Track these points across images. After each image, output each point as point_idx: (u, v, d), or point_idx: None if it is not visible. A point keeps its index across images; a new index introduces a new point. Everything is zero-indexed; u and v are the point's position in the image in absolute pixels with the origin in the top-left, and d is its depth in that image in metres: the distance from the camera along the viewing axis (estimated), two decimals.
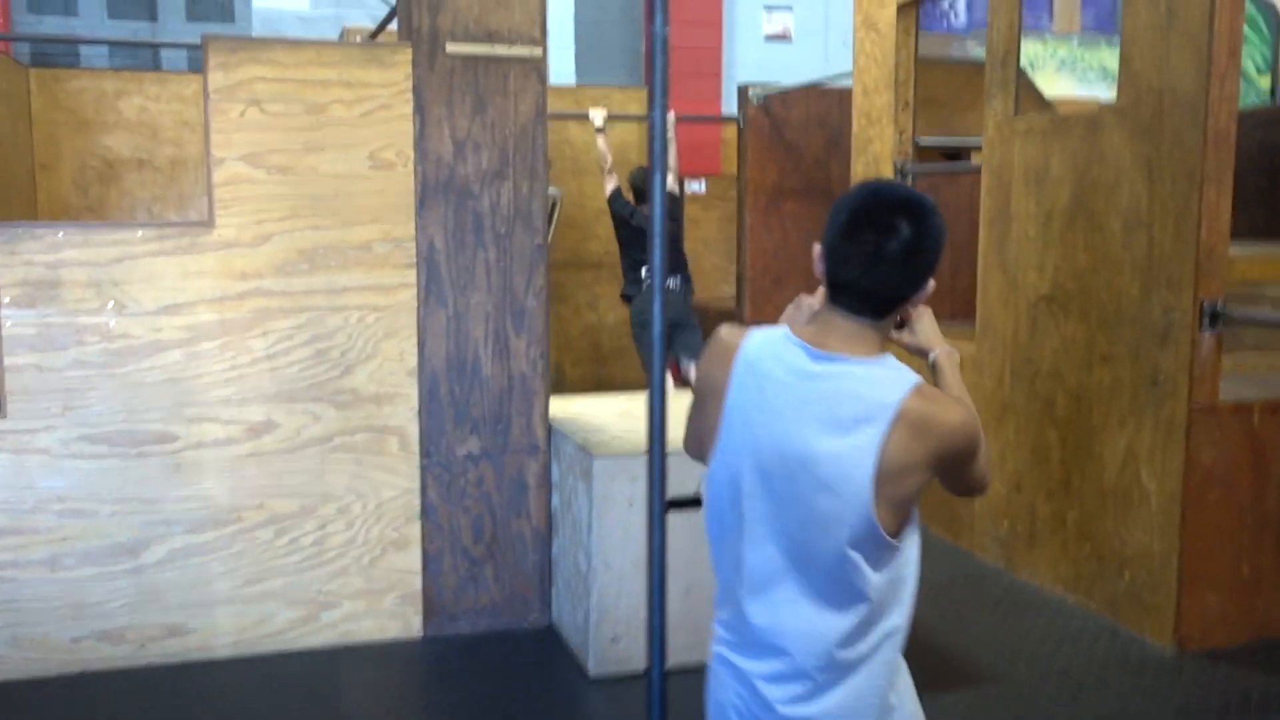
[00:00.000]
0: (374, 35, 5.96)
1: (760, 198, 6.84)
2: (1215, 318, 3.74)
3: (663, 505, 2.47)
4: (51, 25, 7.55)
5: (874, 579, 1.69)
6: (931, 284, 1.72)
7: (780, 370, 1.70)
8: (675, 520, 3.57)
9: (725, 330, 1.82)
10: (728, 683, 1.81)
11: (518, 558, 3.93)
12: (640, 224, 6.08)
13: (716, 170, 8.70)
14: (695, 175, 8.16)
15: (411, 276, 3.73)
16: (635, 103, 8.57)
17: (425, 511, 3.82)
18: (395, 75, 3.64)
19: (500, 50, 3.70)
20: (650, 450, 2.49)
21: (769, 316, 6.94)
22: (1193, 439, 3.78)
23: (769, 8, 8.99)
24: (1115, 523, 4.06)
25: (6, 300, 3.39)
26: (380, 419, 3.75)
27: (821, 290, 1.76)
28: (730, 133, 9.16)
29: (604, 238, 8.59)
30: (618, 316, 8.68)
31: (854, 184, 1.81)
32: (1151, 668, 3.75)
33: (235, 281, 3.57)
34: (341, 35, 6.98)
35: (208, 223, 3.54)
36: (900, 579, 1.73)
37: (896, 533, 1.69)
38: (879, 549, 1.68)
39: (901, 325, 1.87)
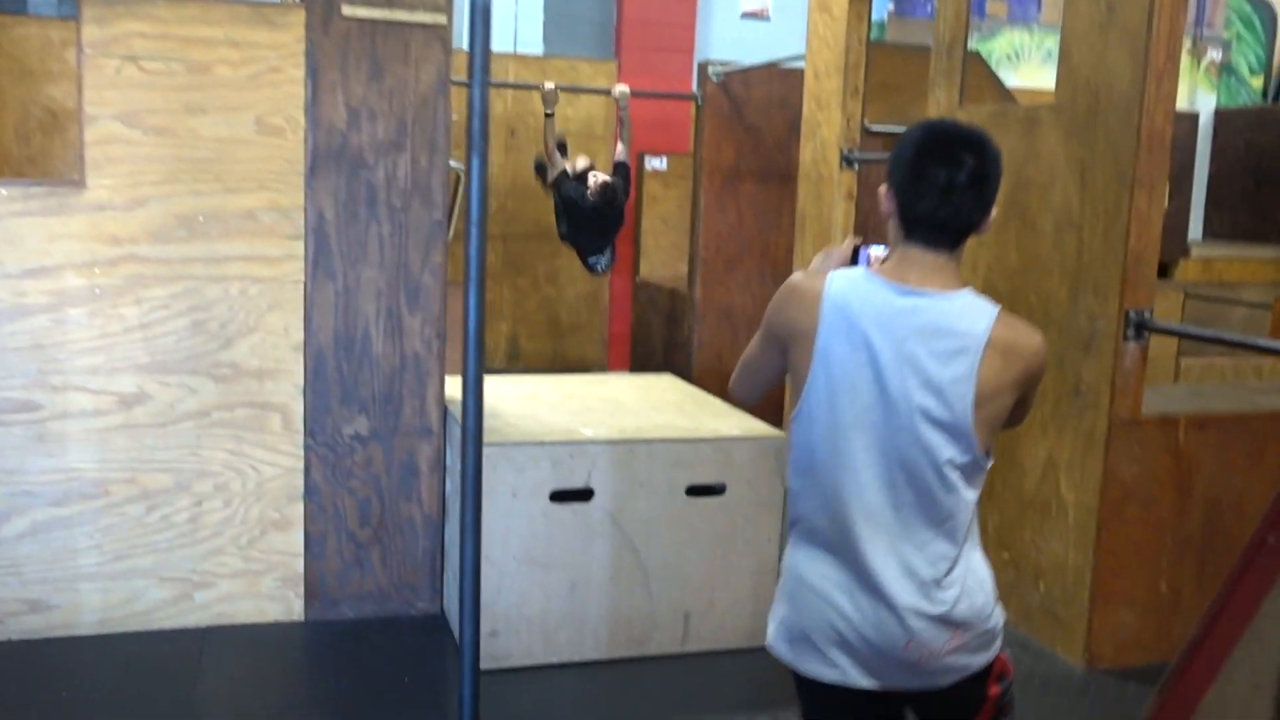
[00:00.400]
0: None
1: (716, 178, 6.64)
2: (1140, 328, 3.57)
3: (476, 480, 2.27)
4: None
5: (968, 496, 1.87)
6: (994, 211, 1.88)
7: (870, 309, 1.82)
8: (562, 513, 3.43)
9: (800, 277, 1.93)
10: (829, 603, 1.89)
11: (407, 543, 3.78)
12: (589, 204, 5.93)
13: (685, 148, 8.49)
14: (659, 152, 7.96)
15: (299, 248, 3.55)
16: (604, 75, 8.35)
17: (309, 492, 3.67)
18: (286, 37, 3.46)
19: (400, 15, 3.52)
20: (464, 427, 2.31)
21: (720, 299, 6.79)
22: (1112, 452, 3.62)
23: None
24: (1033, 533, 3.91)
25: None
26: (262, 395, 3.58)
27: (849, 240, 2.03)
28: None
29: None
30: (577, 291, 8.52)
31: (912, 126, 1.92)
32: (1058, 684, 3.61)
33: (107, 246, 3.40)
34: None
35: (79, 183, 3.36)
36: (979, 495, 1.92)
37: (987, 452, 1.87)
38: (975, 468, 1.86)
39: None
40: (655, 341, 7.43)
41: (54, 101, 7.37)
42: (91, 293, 3.40)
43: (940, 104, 4.40)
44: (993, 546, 4.06)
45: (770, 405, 4.20)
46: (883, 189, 1.89)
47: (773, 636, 1.99)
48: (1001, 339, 1.83)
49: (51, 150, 7.45)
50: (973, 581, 1.89)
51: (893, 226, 1.89)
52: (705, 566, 3.52)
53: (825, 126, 5.26)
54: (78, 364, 3.42)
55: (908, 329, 1.81)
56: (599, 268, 6.14)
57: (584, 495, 3.42)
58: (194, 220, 3.45)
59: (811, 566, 1.92)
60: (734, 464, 3.49)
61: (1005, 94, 5.99)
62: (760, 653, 3.64)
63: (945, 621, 1.85)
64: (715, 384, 6.77)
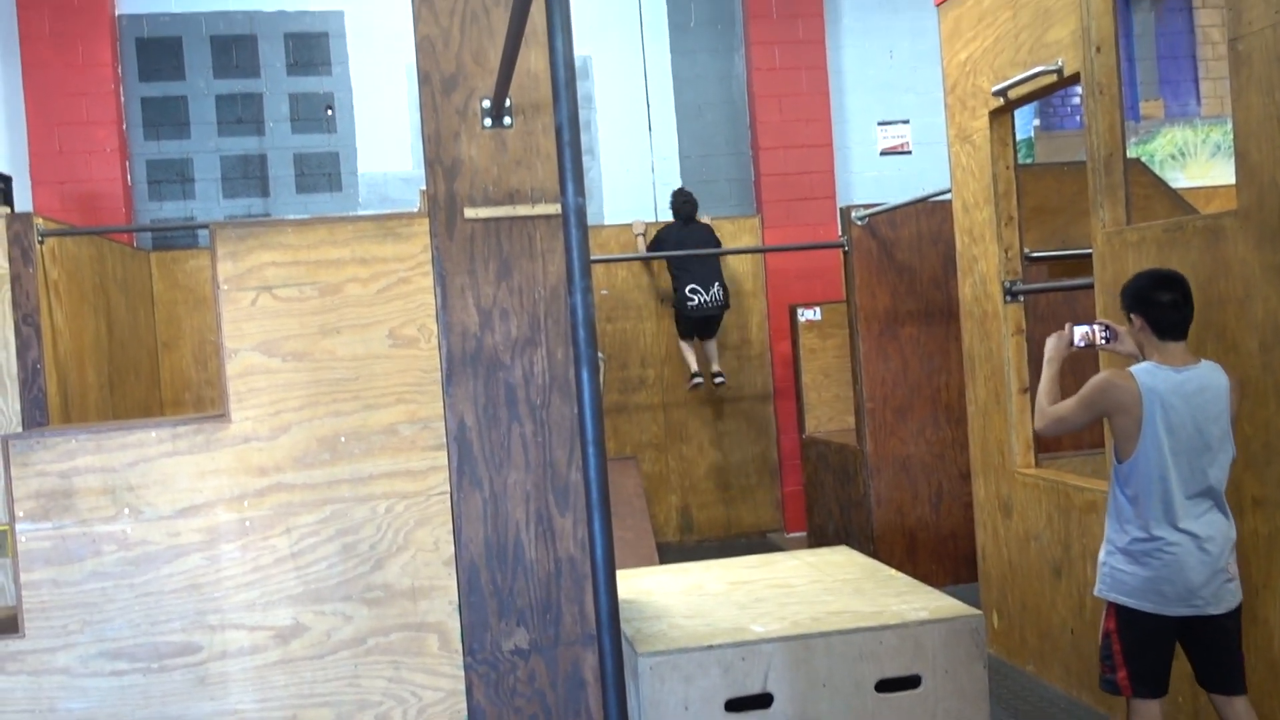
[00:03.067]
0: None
1: (874, 324, 6.37)
2: None
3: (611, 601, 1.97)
4: (171, 209, 7.84)
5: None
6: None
7: (1167, 385, 3.11)
8: None
9: (1112, 374, 3.22)
10: (1180, 562, 3.08)
11: None
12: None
13: (838, 295, 8.28)
14: (811, 303, 7.76)
15: (442, 458, 3.44)
16: (747, 232, 8.29)
17: (472, 714, 3.45)
18: (412, 247, 3.43)
19: (522, 210, 3.45)
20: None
21: (894, 450, 6.41)
22: None
23: (883, 123, 8.62)
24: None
25: (21, 514, 3.27)
26: (417, 615, 3.43)
27: (1055, 339, 3.50)
28: None
29: (725, 373, 8.25)
30: (745, 454, 8.27)
31: (1139, 274, 3.33)
32: None
33: (254, 477, 3.36)
34: (421, 200, 6.96)
35: (224, 416, 3.36)
36: None
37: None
38: (1230, 465, 3.21)
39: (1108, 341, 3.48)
40: (830, 500, 7.07)
41: None
42: (242, 526, 3.35)
43: (1106, 223, 4.06)
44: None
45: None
46: (1136, 320, 3.23)
47: (1132, 595, 3.12)
48: (1230, 384, 3.20)
49: None
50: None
51: (1145, 338, 3.22)
52: None
53: (982, 260, 4.95)
54: (234, 600, 3.35)
55: (1190, 390, 3.12)
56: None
57: (763, 701, 3.10)
58: (336, 441, 3.39)
59: (1155, 543, 3.09)
60: (927, 651, 3.12)
61: (1175, 198, 5.57)
62: None
63: (1228, 567, 3.13)
64: (899, 543, 6.37)
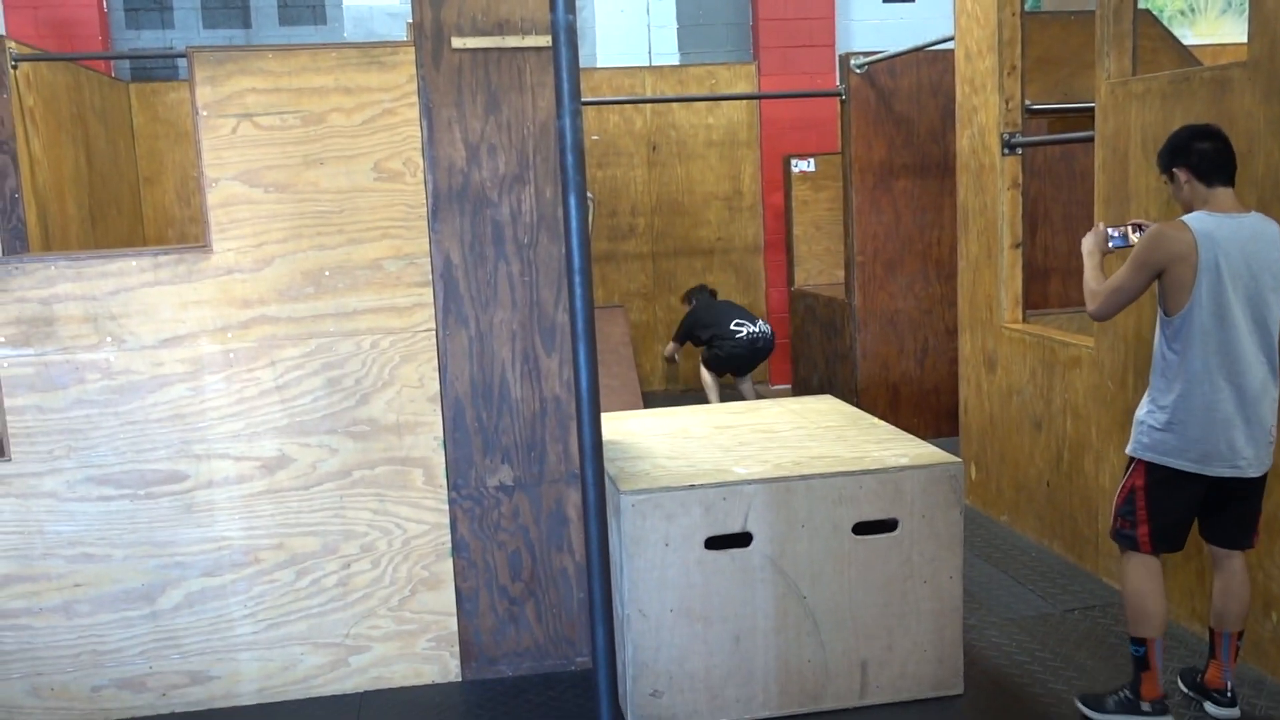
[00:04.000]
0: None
1: (868, 176, 6.27)
2: None
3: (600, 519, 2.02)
4: (150, 39, 7.59)
5: None
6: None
7: (1222, 233, 2.96)
8: (719, 561, 3.16)
9: (1163, 226, 3.04)
10: (1227, 421, 2.99)
11: (561, 595, 3.59)
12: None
13: (833, 147, 8.14)
14: (805, 154, 7.63)
15: (428, 295, 3.41)
16: (743, 79, 8.08)
17: (457, 548, 3.52)
18: (398, 77, 3.32)
19: (512, 42, 3.34)
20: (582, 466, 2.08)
21: (882, 305, 6.39)
22: None
23: None
24: (1262, 557, 3.43)
25: (2, 340, 3.24)
26: (402, 450, 3.46)
27: (1101, 228, 3.33)
28: None
29: (714, 224, 8.17)
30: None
31: (1173, 132, 3.16)
32: None
33: (237, 309, 3.33)
34: (407, 33, 6.73)
35: (205, 247, 3.30)
36: None
37: None
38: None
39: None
40: (816, 353, 7.09)
41: (193, 164, 7.56)
42: (226, 358, 3.34)
43: (1111, 74, 3.96)
44: (1211, 571, 3.59)
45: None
46: (1182, 172, 3.07)
47: (1170, 454, 3.02)
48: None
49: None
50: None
51: (1191, 190, 3.06)
52: (880, 610, 3.20)
53: (982, 111, 4.84)
54: (219, 431, 3.36)
55: (1244, 238, 2.97)
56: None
57: (742, 540, 3.15)
58: (320, 275, 3.35)
59: (1203, 399, 2.98)
60: (905, 496, 3.17)
61: (1184, 54, 5.42)
62: (949, 701, 3.33)
63: (1272, 429, 3.05)
64: (883, 397, 6.42)
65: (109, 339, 3.28)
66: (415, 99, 3.34)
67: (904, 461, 3.23)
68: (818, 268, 7.54)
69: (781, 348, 8.21)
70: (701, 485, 3.13)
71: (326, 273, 3.36)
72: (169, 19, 7.56)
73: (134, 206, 7.40)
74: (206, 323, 3.32)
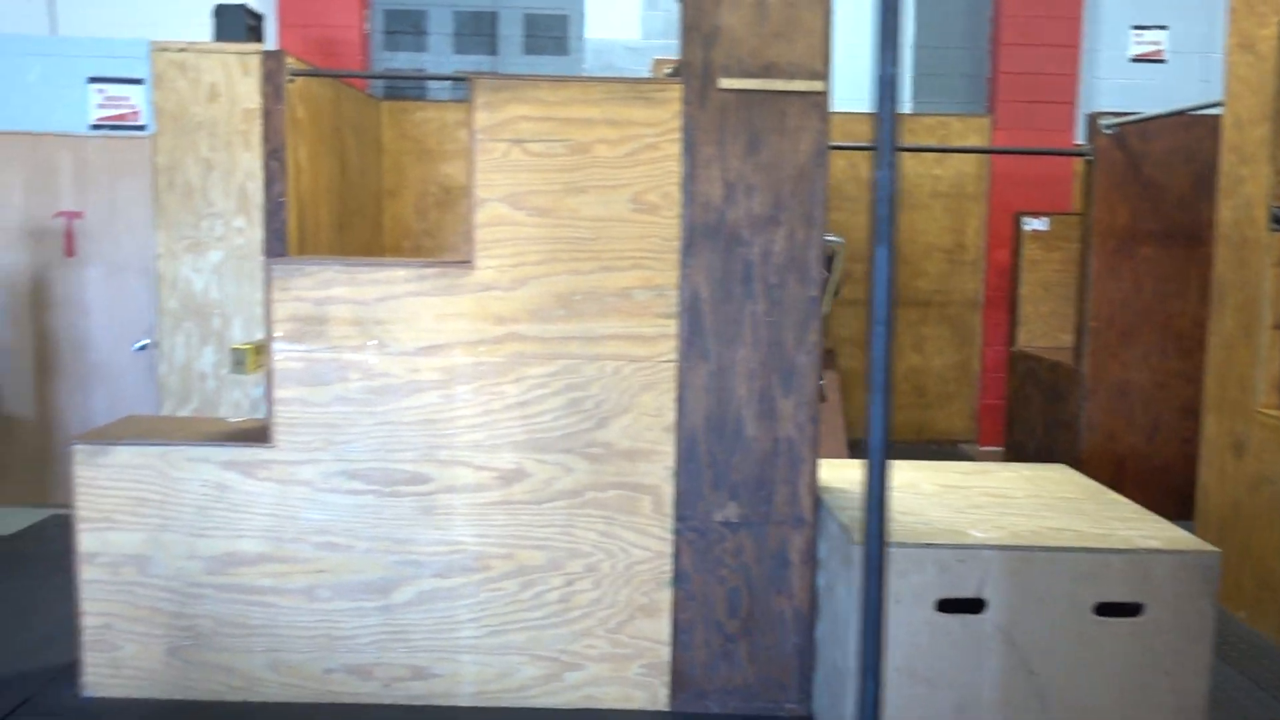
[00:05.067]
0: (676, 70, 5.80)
1: (1109, 240, 6.04)
2: None
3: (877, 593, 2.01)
4: (404, 60, 8.03)
5: None
6: None
7: None
8: (949, 624, 3.08)
9: None
10: None
11: (776, 638, 3.57)
12: None
13: (1066, 207, 7.88)
14: (1039, 213, 7.41)
15: (672, 327, 3.47)
16: (975, 132, 7.93)
17: (678, 578, 3.55)
18: (663, 113, 3.41)
19: (778, 85, 3.38)
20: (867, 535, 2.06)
21: (1113, 374, 6.13)
22: None
23: (1138, 26, 8.02)
24: None
25: (279, 334, 3.47)
26: (634, 476, 3.52)
27: None
28: (1084, 166, 8.29)
29: (933, 275, 8.03)
30: (945, 360, 8.08)
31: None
32: None
33: (491, 324, 3.47)
34: (653, 69, 6.89)
35: (468, 263, 3.46)
36: None
37: None
38: None
39: None
40: (1034, 417, 6.85)
41: (448, 179, 7.93)
42: (477, 370, 3.48)
43: None
44: None
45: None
46: None
47: None
48: None
49: (444, 224, 8.02)
50: None
51: None
52: (1115, 699, 3.05)
53: (1250, 183, 4.60)
54: (463, 439, 3.50)
55: None
56: None
57: (974, 606, 3.06)
58: (571, 299, 3.46)
59: None
60: (1153, 581, 3.01)
61: None
62: None
63: None
64: (1106, 469, 6.14)
65: (373, 342, 3.47)
66: (678, 135, 3.42)
67: (1154, 544, 3.08)
68: (1041, 329, 7.29)
69: (994, 409, 7.98)
70: (938, 545, 3.06)
71: (577, 297, 3.46)
72: (423, 43, 7.98)
73: (376, 217, 7.83)
74: (462, 335, 3.47)
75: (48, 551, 5.17)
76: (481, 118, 3.41)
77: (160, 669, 3.58)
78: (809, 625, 3.57)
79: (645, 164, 3.43)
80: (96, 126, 5.79)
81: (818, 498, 3.54)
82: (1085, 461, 6.11)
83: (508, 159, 3.42)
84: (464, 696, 3.59)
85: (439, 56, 7.98)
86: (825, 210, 3.43)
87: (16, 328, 5.99)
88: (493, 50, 8.00)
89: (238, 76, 5.75)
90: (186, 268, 5.77)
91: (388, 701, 3.59)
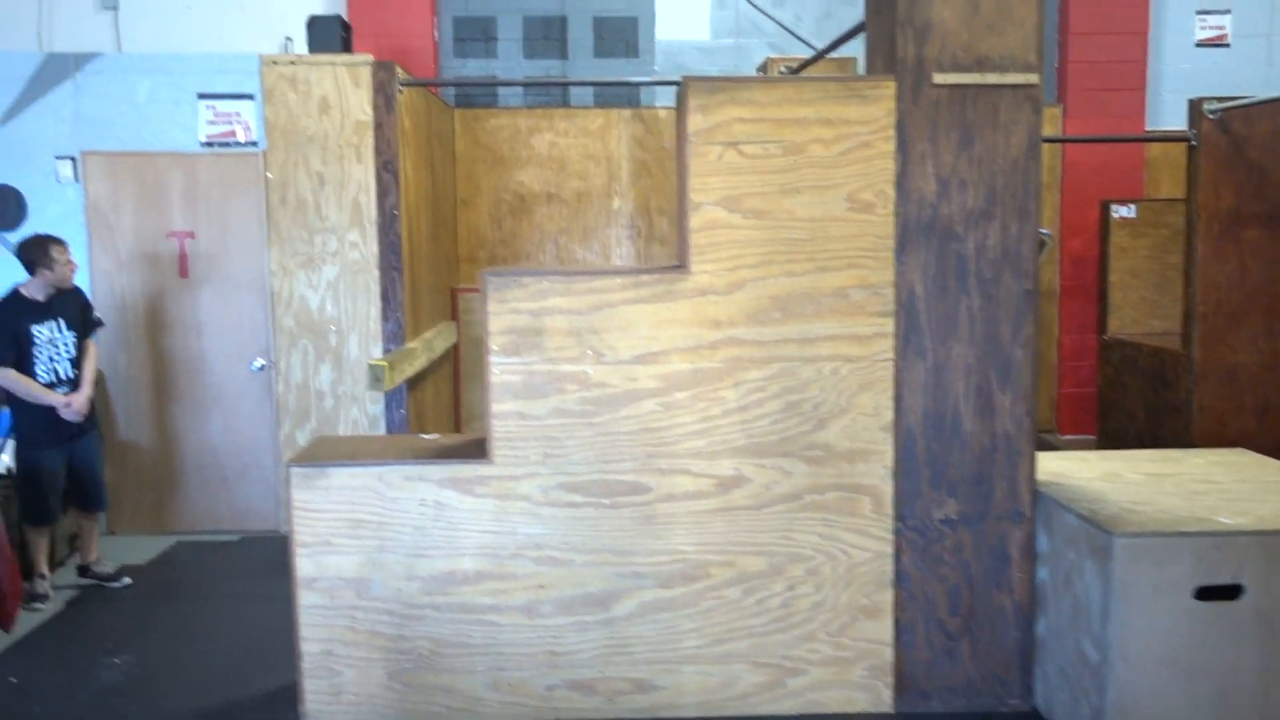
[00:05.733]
0: (800, 68, 5.77)
1: (1214, 225, 6.06)
2: None
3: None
4: (474, 67, 7.98)
5: None
6: None
7: None
8: (1208, 612, 3.08)
9: None
10: None
11: (997, 633, 3.56)
12: None
13: (1139, 193, 7.93)
14: (1125, 200, 7.44)
15: (889, 325, 3.46)
16: (1047, 122, 7.94)
17: (899, 578, 3.53)
18: (876, 111, 3.39)
19: (991, 79, 3.37)
20: None
21: (1223, 358, 6.16)
22: None
23: (1202, 11, 8.07)
24: None
25: (495, 348, 3.43)
26: (853, 477, 3.50)
27: None
28: (1155, 152, 8.33)
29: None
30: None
31: None
32: None
33: (708, 330, 3.44)
34: (763, 68, 6.87)
35: (683, 268, 3.43)
36: None
37: None
38: None
39: None
40: (1133, 404, 6.87)
41: (522, 186, 7.89)
42: (695, 376, 3.45)
43: None
44: None
45: None
46: None
47: None
48: None
49: (519, 232, 7.98)
50: None
51: None
52: None
53: None
54: (682, 447, 3.47)
55: None
56: None
57: (1231, 592, 3.06)
58: (787, 300, 3.44)
59: None
60: None
61: None
62: None
63: None
64: None
65: (589, 352, 3.44)
66: (892, 133, 3.41)
67: None
68: (1132, 316, 7.32)
69: (1073, 397, 8.01)
70: (1193, 533, 3.06)
71: (793, 298, 3.44)
72: (493, 49, 7.94)
73: (453, 226, 7.78)
74: (679, 341, 3.45)
75: (194, 578, 5.10)
76: (695, 121, 3.38)
77: (380, 693, 3.53)
78: (1028, 620, 3.56)
79: (859, 162, 3.41)
80: (207, 144, 5.72)
81: (1035, 492, 3.53)
82: (1197, 445, 6.13)
83: (723, 161, 3.40)
84: (687, 708, 3.56)
85: (509, 62, 7.93)
86: (1039, 203, 3.43)
87: (131, 352, 5.90)
88: (563, 54, 7.96)
89: (348, 88, 5.69)
90: (301, 284, 5.70)
91: (610, 716, 3.55)
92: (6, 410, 5.16)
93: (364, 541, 3.49)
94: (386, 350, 5.62)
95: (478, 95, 8.04)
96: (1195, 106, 6.14)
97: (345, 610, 3.52)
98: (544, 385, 3.45)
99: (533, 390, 3.45)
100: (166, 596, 4.88)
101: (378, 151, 5.55)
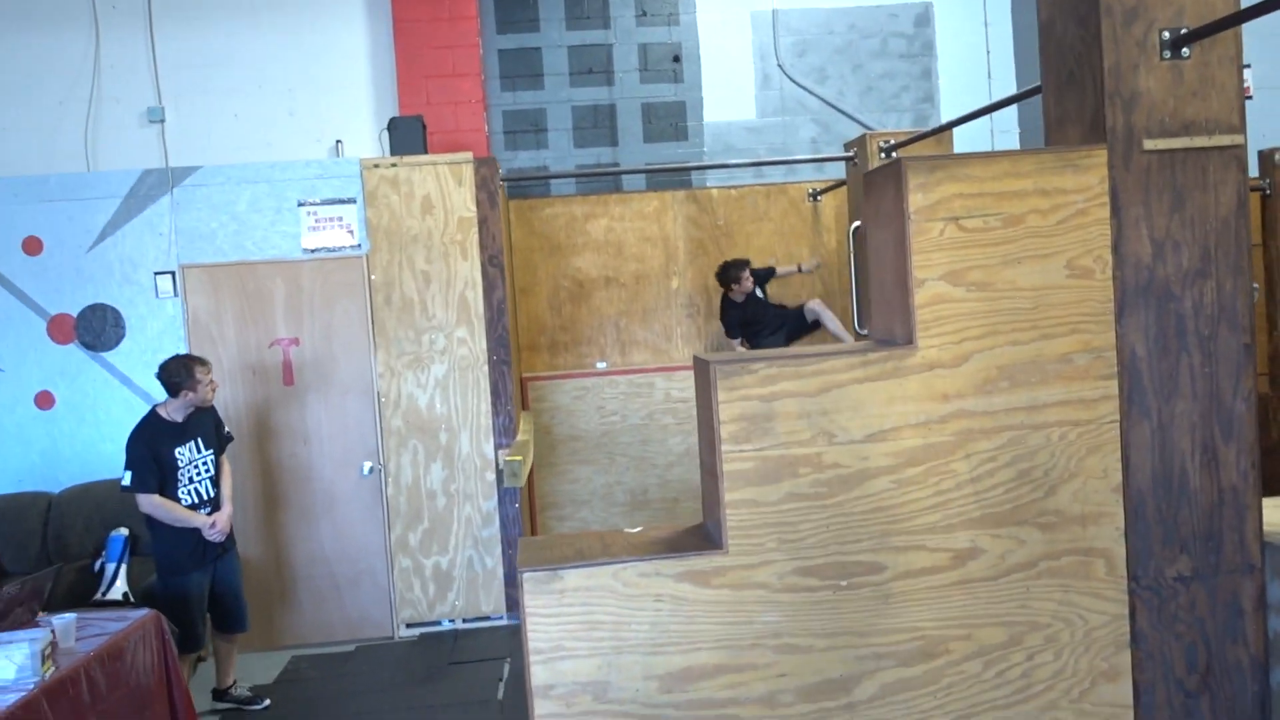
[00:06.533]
0: (907, 144, 5.84)
1: None
2: None
3: None
4: (525, 159, 8.02)
5: None
6: None
7: None
8: None
9: None
10: None
11: (1235, 688, 3.55)
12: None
13: None
14: None
15: (1113, 388, 3.48)
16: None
17: (1135, 639, 3.52)
18: (1090, 179, 3.46)
19: (1199, 142, 3.45)
20: None
21: None
22: None
23: None
24: None
25: (725, 436, 3.40)
26: (1085, 540, 3.49)
27: None
28: None
29: None
30: None
31: None
32: None
33: (937, 404, 3.44)
34: (858, 144, 6.94)
35: (910, 345, 3.44)
36: None
37: None
38: None
39: None
40: None
41: (579, 272, 7.91)
42: (926, 451, 3.44)
43: None
44: None
45: None
46: None
47: None
48: None
49: (579, 317, 7.97)
50: None
51: None
52: None
53: None
54: (916, 523, 3.45)
55: None
56: None
57: None
58: (1013, 369, 3.45)
59: None
60: None
61: None
62: None
63: None
64: None
65: (820, 434, 3.42)
66: (1106, 199, 3.47)
67: None
68: None
69: None
70: None
71: (1019, 367, 3.46)
72: (543, 140, 8.00)
73: (514, 314, 7.76)
74: (909, 417, 3.44)
75: (328, 694, 4.94)
76: (916, 199, 3.42)
77: None
78: (1265, 672, 3.56)
79: (1076, 229, 3.46)
80: (309, 250, 5.66)
81: (1263, 543, 3.55)
82: None
83: (944, 237, 3.43)
84: None
85: (559, 152, 7.99)
86: (1249, 259, 3.50)
87: (238, 463, 5.77)
88: (613, 141, 8.04)
89: (450, 186, 5.69)
90: (409, 384, 5.63)
91: None
92: (120, 534, 4.99)
93: (600, 643, 3.40)
94: (499, 445, 5.55)
95: (531, 186, 8.07)
96: (1267, 157, 6.36)
97: (582, 716, 3.41)
98: (777, 470, 3.42)
99: (765, 476, 3.41)
100: (307, 717, 4.70)
101: (482, 246, 5.53)
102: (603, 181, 7.97)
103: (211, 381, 4.73)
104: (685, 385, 7.69)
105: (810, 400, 3.42)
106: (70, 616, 3.97)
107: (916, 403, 3.44)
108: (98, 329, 5.59)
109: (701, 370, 3.50)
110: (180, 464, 4.62)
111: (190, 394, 4.62)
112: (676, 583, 3.41)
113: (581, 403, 7.59)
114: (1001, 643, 3.49)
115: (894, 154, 6.09)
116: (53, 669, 3.61)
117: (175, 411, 4.66)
